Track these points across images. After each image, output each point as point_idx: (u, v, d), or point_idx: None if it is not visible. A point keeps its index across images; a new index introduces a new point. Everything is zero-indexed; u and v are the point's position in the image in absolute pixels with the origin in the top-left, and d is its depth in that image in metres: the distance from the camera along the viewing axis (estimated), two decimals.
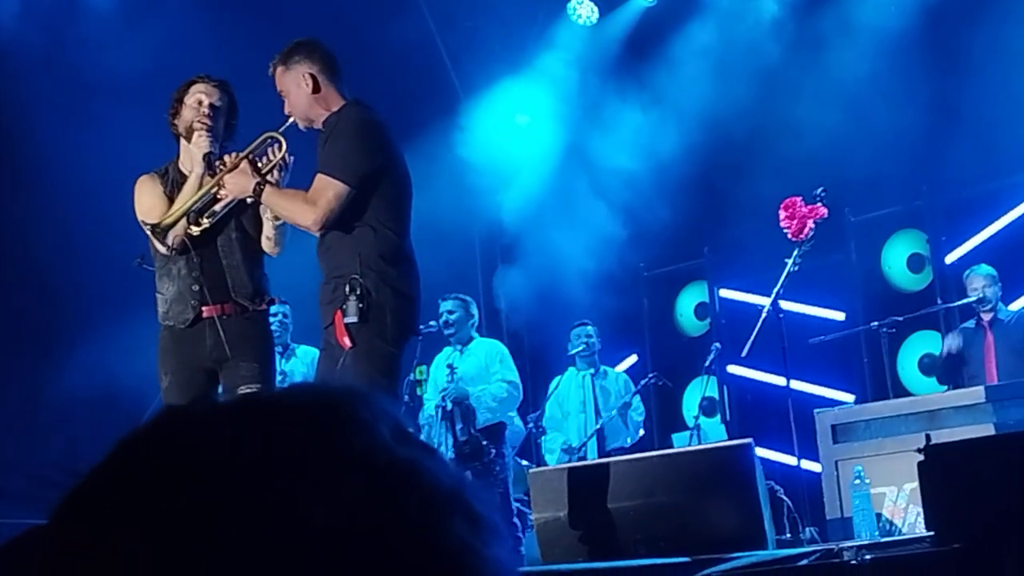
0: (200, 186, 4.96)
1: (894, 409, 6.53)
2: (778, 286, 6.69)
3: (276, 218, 4.94)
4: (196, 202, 4.92)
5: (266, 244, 5.07)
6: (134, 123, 6.91)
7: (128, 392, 6.75)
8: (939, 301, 8.57)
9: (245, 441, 0.71)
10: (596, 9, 10.61)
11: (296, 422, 0.73)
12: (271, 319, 5.46)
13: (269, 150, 4.91)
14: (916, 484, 4.66)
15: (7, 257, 7.98)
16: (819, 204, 6.61)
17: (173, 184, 5.10)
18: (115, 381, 7.26)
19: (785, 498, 6.69)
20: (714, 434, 8.87)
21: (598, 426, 8.69)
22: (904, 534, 5.80)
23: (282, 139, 4.89)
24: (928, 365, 8.85)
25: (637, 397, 8.95)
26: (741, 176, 9.39)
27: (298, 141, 4.97)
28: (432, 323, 7.93)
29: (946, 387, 8.12)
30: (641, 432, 9.01)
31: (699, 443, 8.02)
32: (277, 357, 6.04)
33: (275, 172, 4.88)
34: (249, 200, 4.89)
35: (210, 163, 4.99)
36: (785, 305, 6.89)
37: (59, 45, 8.17)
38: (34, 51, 8.06)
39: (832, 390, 9.10)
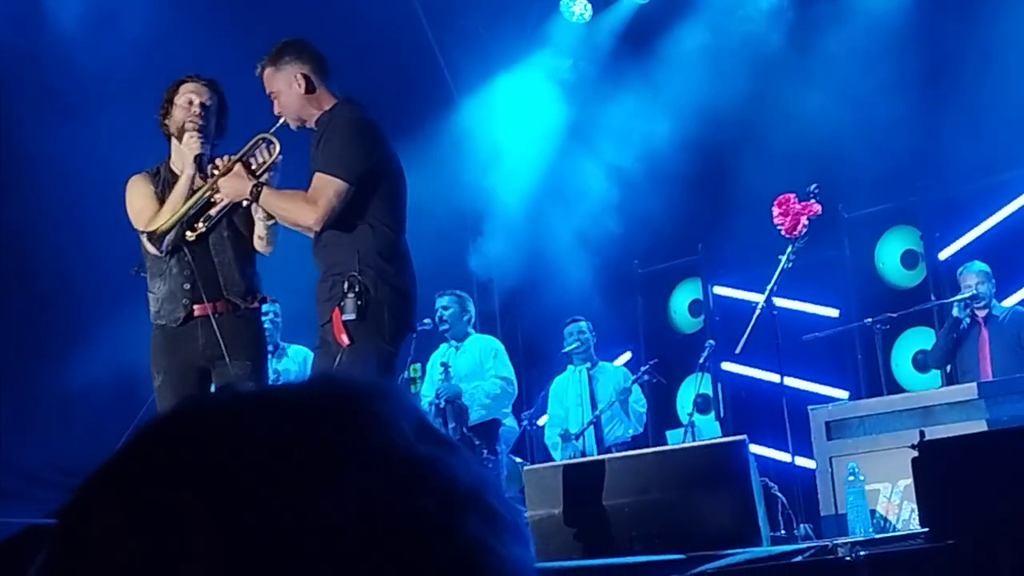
0: (191, 188, 4.95)
1: (888, 405, 6.53)
2: (772, 283, 6.69)
3: (268, 217, 4.92)
4: (191, 207, 4.90)
5: (258, 243, 5.06)
6: (123, 118, 6.90)
7: (128, 391, 6.75)
8: (933, 298, 8.58)
9: (261, 436, 0.70)
10: (590, 6, 10.61)
11: (314, 417, 0.72)
12: (262, 318, 5.45)
13: (261, 151, 4.90)
14: (910, 480, 4.67)
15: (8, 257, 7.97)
16: (813, 201, 6.61)
17: (164, 184, 5.09)
18: (116, 380, 7.26)
19: (779, 495, 6.70)
20: (708, 431, 8.89)
21: (594, 415, 8.70)
22: (898, 530, 5.81)
23: (275, 140, 4.88)
24: (922, 361, 8.86)
25: (638, 388, 8.94)
26: (735, 173, 9.39)
27: (284, 140, 4.95)
28: (427, 320, 7.93)
29: (939, 371, 8.15)
30: (643, 421, 8.98)
31: (693, 440, 8.03)
32: (268, 356, 6.03)
33: (268, 173, 4.88)
34: (245, 203, 4.88)
35: (201, 164, 4.99)
36: (779, 302, 6.89)
37: (39, 43, 8.13)
38: (11, 51, 8.01)
39: (826, 387, 9.11)
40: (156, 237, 4.88)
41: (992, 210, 8.99)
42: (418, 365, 7.81)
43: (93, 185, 7.20)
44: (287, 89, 4.80)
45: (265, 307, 5.53)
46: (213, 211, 4.92)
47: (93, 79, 7.94)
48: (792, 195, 6.65)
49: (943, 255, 9.01)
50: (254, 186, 4.73)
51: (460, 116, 10.45)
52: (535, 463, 8.27)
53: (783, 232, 6.62)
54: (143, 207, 5.04)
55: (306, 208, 4.65)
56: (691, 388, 9.29)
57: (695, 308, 10.44)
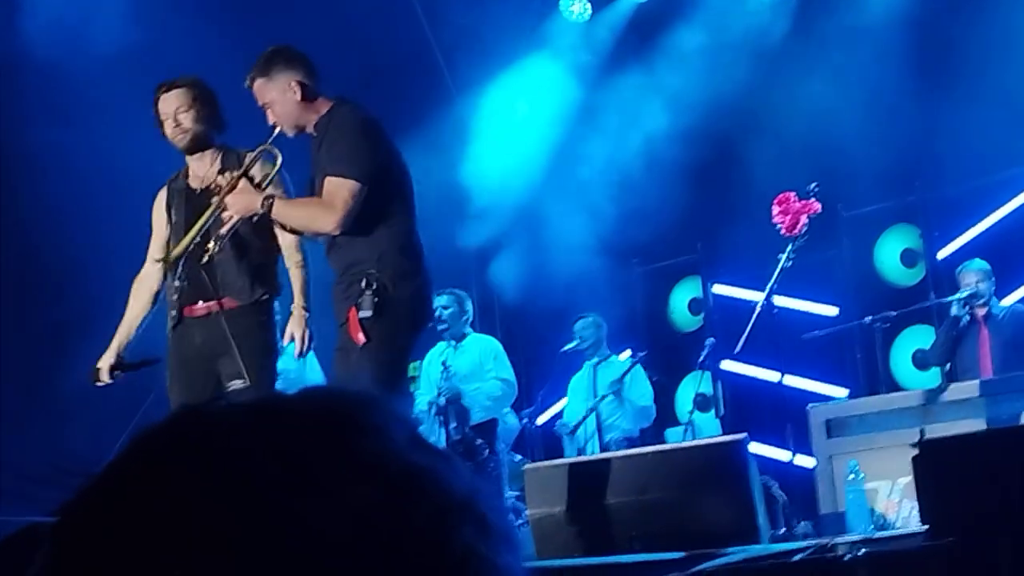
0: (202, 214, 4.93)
1: (888, 404, 6.54)
2: (772, 281, 6.69)
3: (285, 227, 4.88)
4: (199, 231, 4.88)
5: (288, 252, 5.07)
6: (123, 116, 6.88)
7: (128, 391, 6.75)
8: (932, 296, 8.58)
9: (255, 446, 0.71)
10: (589, 6, 10.61)
11: (307, 427, 0.72)
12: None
13: (262, 164, 4.88)
14: (910, 479, 4.67)
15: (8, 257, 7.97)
16: (813, 199, 6.61)
17: (179, 194, 5.13)
18: (115, 380, 7.25)
19: (779, 493, 6.70)
20: (708, 429, 8.87)
21: (587, 410, 8.71)
22: (898, 529, 5.81)
23: (276, 152, 4.86)
24: (921, 360, 8.86)
25: (643, 383, 8.91)
26: (734, 171, 9.39)
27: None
28: None
29: (939, 369, 8.14)
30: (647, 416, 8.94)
31: (693, 439, 8.03)
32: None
33: (273, 186, 4.86)
34: (256, 217, 4.80)
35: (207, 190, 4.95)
36: (779, 300, 6.89)
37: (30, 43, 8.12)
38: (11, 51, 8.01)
39: (826, 385, 9.11)
40: (169, 265, 4.87)
41: (991, 209, 8.99)
42: (417, 363, 7.80)
43: (93, 185, 7.21)
44: (282, 98, 4.74)
45: None
46: (223, 230, 4.84)
47: (94, 77, 7.92)
48: (792, 193, 6.65)
49: (942, 254, 9.01)
50: (265, 199, 4.67)
51: (458, 114, 10.44)
52: (535, 461, 8.27)
53: (783, 231, 6.62)
54: (155, 238, 5.09)
55: (323, 213, 4.61)
56: (691, 386, 9.28)
57: (695, 306, 10.44)
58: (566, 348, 8.95)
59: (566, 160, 10.32)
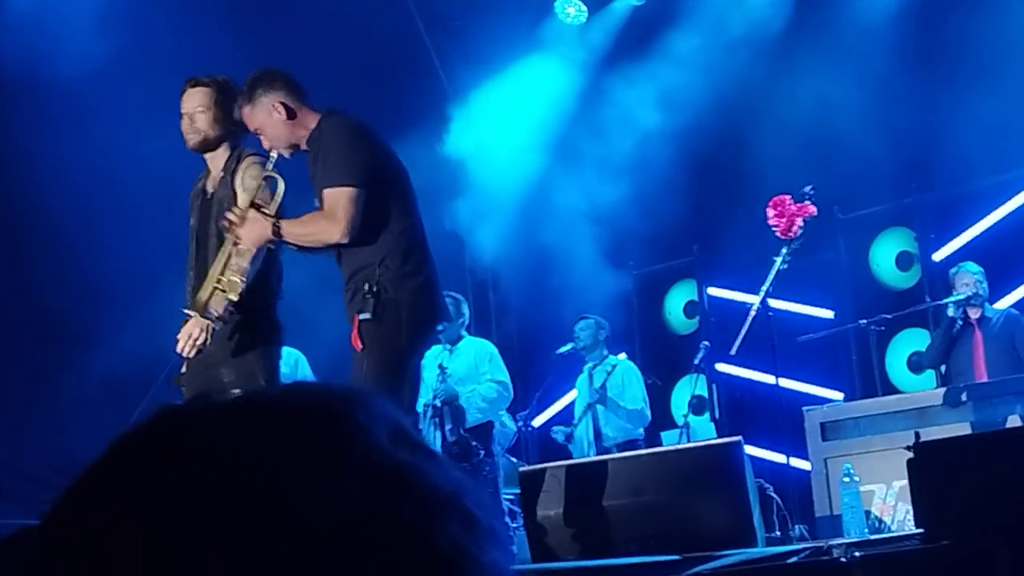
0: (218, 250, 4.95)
1: (883, 407, 6.55)
2: (767, 284, 6.70)
3: (297, 247, 4.89)
4: (220, 270, 4.88)
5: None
6: (124, 115, 6.89)
7: (128, 391, 6.75)
8: (927, 299, 8.59)
9: (239, 444, 0.71)
10: (585, 8, 10.62)
11: (291, 424, 0.72)
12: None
13: (266, 190, 4.89)
14: (905, 481, 4.67)
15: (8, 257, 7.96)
16: (808, 202, 6.62)
17: (196, 198, 5.16)
18: (116, 380, 7.26)
19: (774, 496, 6.70)
20: (703, 432, 8.87)
21: (584, 408, 8.70)
22: (893, 531, 5.82)
23: (278, 176, 4.86)
24: (916, 363, 8.87)
25: (637, 384, 8.88)
26: (730, 174, 9.40)
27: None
28: None
29: (934, 372, 8.15)
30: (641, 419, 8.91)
31: (688, 441, 8.03)
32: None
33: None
34: (271, 245, 4.82)
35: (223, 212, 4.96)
36: (774, 303, 6.89)
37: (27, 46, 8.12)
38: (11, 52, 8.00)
39: (821, 388, 9.12)
40: (199, 309, 4.87)
41: (986, 212, 9.01)
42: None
43: (94, 186, 7.19)
44: (268, 120, 4.76)
45: None
46: (245, 263, 4.85)
47: (93, 76, 7.92)
48: (787, 196, 6.66)
49: (937, 257, 9.02)
50: (273, 225, 4.70)
51: (454, 115, 10.44)
52: (531, 464, 8.27)
53: (778, 233, 6.63)
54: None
55: (328, 225, 4.63)
56: (686, 389, 9.27)
57: (690, 309, 10.45)
58: (562, 350, 8.94)
59: (562, 163, 10.32)
